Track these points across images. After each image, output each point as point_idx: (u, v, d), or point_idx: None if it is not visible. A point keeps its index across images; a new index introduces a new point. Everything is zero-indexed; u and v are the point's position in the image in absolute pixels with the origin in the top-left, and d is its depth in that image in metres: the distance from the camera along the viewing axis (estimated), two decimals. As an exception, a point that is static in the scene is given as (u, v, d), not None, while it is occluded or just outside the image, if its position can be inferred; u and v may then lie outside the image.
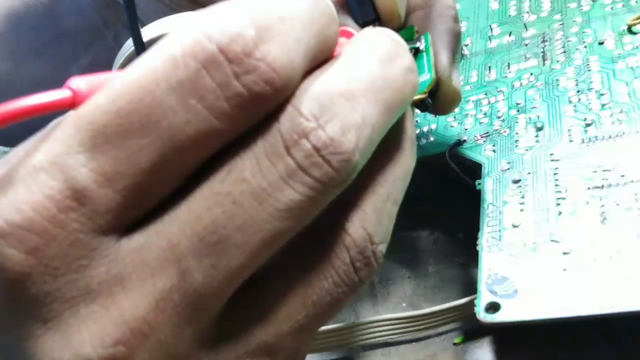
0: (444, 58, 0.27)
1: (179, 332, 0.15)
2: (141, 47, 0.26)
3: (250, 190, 0.14)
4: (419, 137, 0.33)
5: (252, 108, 0.14)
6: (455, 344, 0.28)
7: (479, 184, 0.29)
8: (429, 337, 0.29)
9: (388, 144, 0.17)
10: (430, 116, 0.34)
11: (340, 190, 0.16)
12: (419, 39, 0.26)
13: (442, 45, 0.27)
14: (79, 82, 0.14)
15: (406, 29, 0.27)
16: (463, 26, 0.39)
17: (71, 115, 0.14)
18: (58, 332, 0.14)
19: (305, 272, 0.16)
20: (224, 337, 0.16)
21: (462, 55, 0.37)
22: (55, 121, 0.15)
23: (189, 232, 0.14)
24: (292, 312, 0.16)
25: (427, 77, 0.25)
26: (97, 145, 0.14)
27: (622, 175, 0.25)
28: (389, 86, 0.16)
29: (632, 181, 0.25)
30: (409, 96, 0.17)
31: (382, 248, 0.17)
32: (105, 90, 0.14)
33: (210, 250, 0.14)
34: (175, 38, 0.14)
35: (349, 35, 0.18)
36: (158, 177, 0.14)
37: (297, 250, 0.16)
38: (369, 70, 0.16)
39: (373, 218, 0.17)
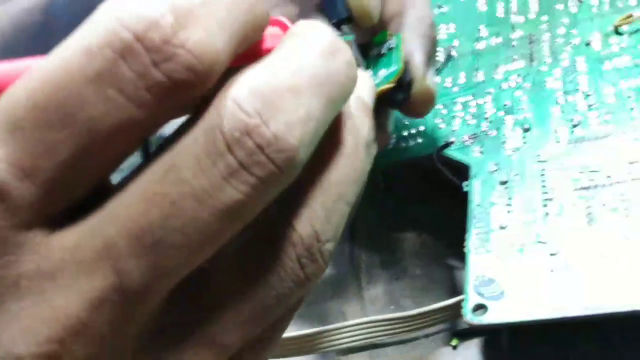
0: (418, 57, 0.27)
1: (117, 330, 0.14)
2: None
3: (191, 192, 0.14)
4: (407, 139, 0.33)
5: (175, 96, 0.14)
6: (453, 346, 0.28)
7: (467, 185, 0.29)
8: (416, 338, 0.29)
9: (336, 142, 0.17)
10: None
11: (283, 188, 0.15)
12: (390, 39, 0.27)
13: (417, 47, 0.28)
14: None
15: (380, 34, 0.28)
16: (451, 28, 0.39)
17: None
18: None
19: (252, 267, 0.16)
20: (166, 332, 0.15)
21: (450, 57, 0.37)
22: None
23: (125, 233, 0.14)
24: (238, 306, 0.16)
25: (394, 68, 0.25)
26: (14, 139, 0.14)
27: (609, 176, 0.25)
28: (332, 80, 0.16)
29: (619, 182, 0.25)
30: (350, 90, 0.17)
31: (329, 246, 0.17)
32: (22, 83, 0.14)
33: (148, 251, 0.14)
34: (90, 27, 0.14)
35: (282, 26, 0.17)
36: (79, 170, 0.14)
37: (244, 244, 0.16)
38: (312, 64, 0.16)
39: (322, 216, 0.16)
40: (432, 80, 0.28)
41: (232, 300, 0.16)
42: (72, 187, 0.14)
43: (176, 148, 0.14)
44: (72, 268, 0.14)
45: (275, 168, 0.14)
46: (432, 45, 0.29)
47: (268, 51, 0.16)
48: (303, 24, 0.17)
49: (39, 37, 0.40)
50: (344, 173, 0.17)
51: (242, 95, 0.14)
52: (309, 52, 0.16)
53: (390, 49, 0.26)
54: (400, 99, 0.26)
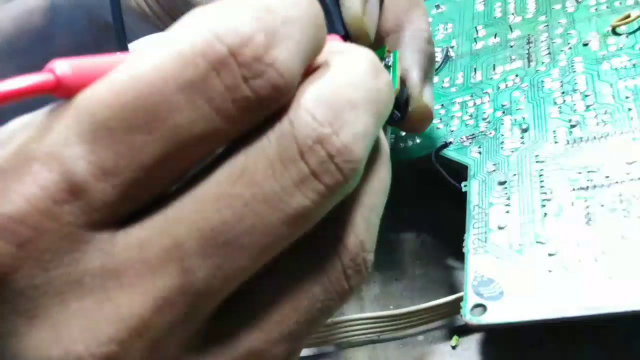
0: (415, 75, 0.28)
1: (172, 332, 0.14)
2: None
3: (263, 194, 0.14)
4: (405, 139, 0.33)
5: (256, 111, 0.14)
6: (452, 347, 0.28)
7: (465, 185, 0.29)
8: (415, 336, 0.29)
9: (373, 159, 0.18)
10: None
11: (343, 198, 0.16)
12: (388, 57, 0.27)
13: (414, 64, 0.28)
14: (63, 66, 0.14)
15: (378, 50, 0.28)
16: (449, 28, 0.39)
17: (70, 104, 0.14)
18: (45, 328, 0.14)
19: (298, 279, 0.16)
20: (212, 340, 0.15)
21: (448, 58, 0.37)
22: (49, 106, 0.14)
23: (195, 232, 0.14)
24: (283, 318, 0.16)
25: None
26: (98, 138, 0.14)
27: (607, 177, 0.26)
28: (379, 98, 0.16)
29: (617, 182, 0.25)
30: (389, 109, 0.17)
31: (371, 257, 0.17)
32: (108, 82, 0.14)
33: (217, 251, 0.14)
34: (184, 36, 0.14)
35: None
36: (159, 174, 0.14)
37: (291, 256, 0.16)
38: (364, 82, 0.16)
39: (363, 227, 0.17)
40: (429, 97, 0.28)
41: (277, 314, 0.16)
42: (149, 190, 0.14)
43: (250, 151, 0.15)
44: (137, 267, 0.14)
45: (342, 178, 0.15)
46: (429, 61, 0.29)
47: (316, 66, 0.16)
48: (346, 45, 0.18)
49: (40, 38, 0.40)
50: (375, 185, 0.17)
51: (314, 105, 0.15)
52: (359, 70, 0.16)
53: (387, 68, 0.26)
54: (397, 117, 0.26)
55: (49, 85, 0.14)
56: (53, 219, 0.13)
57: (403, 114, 0.27)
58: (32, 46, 0.42)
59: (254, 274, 0.15)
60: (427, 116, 0.28)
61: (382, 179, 0.18)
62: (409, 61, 0.28)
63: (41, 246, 0.13)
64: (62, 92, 0.14)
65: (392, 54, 0.27)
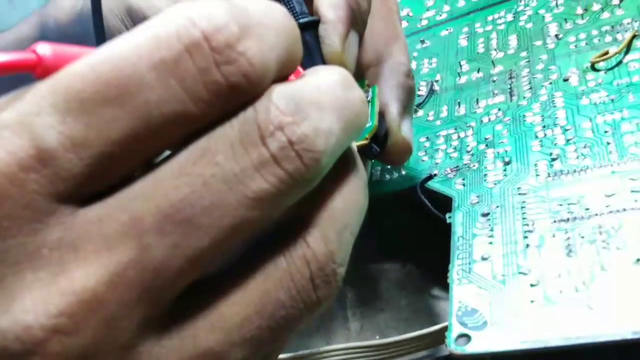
0: (394, 109, 0.28)
1: (127, 313, 0.14)
2: None
3: (222, 174, 0.15)
4: (391, 171, 0.34)
5: (226, 97, 0.15)
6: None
7: (450, 217, 0.29)
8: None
9: (345, 173, 0.18)
10: (402, 150, 0.34)
11: (306, 191, 0.16)
12: (367, 92, 0.27)
13: (393, 98, 0.28)
14: (44, 48, 0.14)
15: (358, 83, 0.29)
16: (433, 63, 0.40)
17: (47, 79, 0.14)
18: None
19: (263, 281, 0.16)
20: (170, 334, 0.15)
21: (433, 91, 0.38)
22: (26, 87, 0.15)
23: (154, 208, 0.14)
24: (245, 321, 0.16)
25: (368, 125, 0.26)
26: (70, 110, 0.14)
27: (587, 209, 0.26)
28: (348, 107, 0.17)
29: (596, 214, 0.26)
30: (362, 123, 0.18)
31: (342, 270, 0.17)
32: (85, 59, 0.14)
33: (175, 228, 0.14)
34: (159, 20, 0.15)
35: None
36: (126, 151, 0.14)
37: (257, 259, 0.16)
38: (333, 89, 0.17)
39: (335, 239, 0.17)
40: (408, 130, 0.29)
41: (239, 316, 0.16)
42: (115, 167, 0.14)
43: (212, 134, 0.15)
44: (95, 241, 0.14)
45: (303, 166, 0.15)
46: (408, 95, 0.29)
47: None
48: (324, 66, 0.18)
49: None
50: (350, 202, 0.18)
51: (277, 97, 0.15)
52: (330, 80, 0.17)
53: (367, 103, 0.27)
54: (375, 151, 0.27)
55: (30, 63, 0.14)
56: (18, 185, 0.13)
57: (382, 148, 0.27)
58: (20, 75, 0.42)
59: (219, 271, 0.16)
60: (406, 149, 0.29)
61: (356, 196, 0.18)
62: (388, 95, 0.29)
63: (2, 212, 0.13)
64: (41, 71, 0.14)
65: (371, 89, 0.28)
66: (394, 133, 0.28)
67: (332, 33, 0.26)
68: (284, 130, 0.15)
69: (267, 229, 0.17)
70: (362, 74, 0.30)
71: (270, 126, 0.15)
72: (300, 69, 0.18)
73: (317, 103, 0.16)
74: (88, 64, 0.14)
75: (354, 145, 0.19)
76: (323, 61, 0.26)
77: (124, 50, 0.14)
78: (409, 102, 0.29)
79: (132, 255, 0.14)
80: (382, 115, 0.28)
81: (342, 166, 0.18)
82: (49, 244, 0.14)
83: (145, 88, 0.14)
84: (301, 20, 0.25)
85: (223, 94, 0.15)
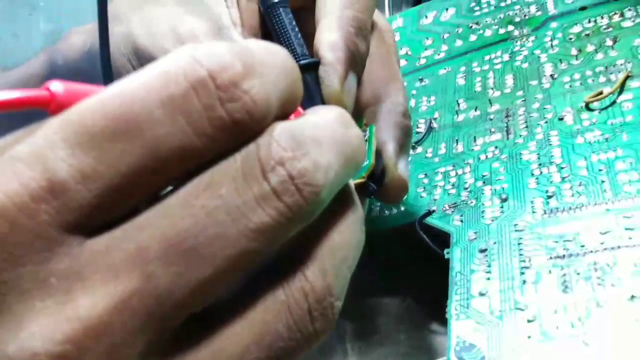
0: (390, 148, 0.29)
1: (131, 340, 0.15)
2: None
3: (225, 207, 0.15)
4: (390, 207, 0.35)
5: (230, 133, 0.16)
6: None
7: (448, 252, 0.30)
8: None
9: (343, 209, 0.19)
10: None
11: (305, 224, 0.17)
12: (365, 131, 0.28)
13: (389, 137, 0.29)
14: (57, 86, 0.15)
15: (356, 122, 0.29)
16: (432, 101, 0.41)
17: (59, 114, 0.15)
18: (6, 324, 0.14)
19: (262, 313, 0.16)
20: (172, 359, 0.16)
21: (431, 129, 0.38)
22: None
23: (159, 238, 0.15)
24: (244, 351, 0.16)
25: (365, 163, 0.27)
26: (80, 143, 0.14)
27: (582, 246, 0.27)
28: (347, 143, 0.18)
29: (591, 251, 0.26)
30: (360, 160, 0.19)
31: (339, 304, 0.17)
32: (96, 95, 0.15)
33: (179, 258, 0.15)
34: (167, 59, 0.15)
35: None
36: (134, 183, 0.15)
37: (257, 290, 0.17)
38: (332, 127, 0.17)
39: (332, 273, 0.17)
40: (405, 169, 0.29)
41: (238, 346, 0.16)
42: (123, 200, 0.15)
43: (216, 168, 0.16)
44: (102, 271, 0.14)
45: (302, 199, 0.16)
46: (405, 134, 0.30)
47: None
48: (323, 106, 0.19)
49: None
50: (348, 238, 0.18)
51: (279, 133, 0.16)
52: (329, 118, 0.18)
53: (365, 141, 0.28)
54: (372, 190, 0.27)
55: (43, 99, 0.15)
56: (29, 216, 0.14)
57: (379, 186, 0.28)
58: (30, 111, 0.43)
59: (220, 302, 0.16)
60: (402, 187, 0.29)
61: (354, 232, 0.19)
62: (385, 134, 0.29)
63: (14, 241, 0.14)
64: (54, 107, 0.15)
65: (368, 128, 0.29)
66: (391, 171, 0.29)
67: (331, 74, 0.26)
68: (284, 165, 0.16)
69: (267, 261, 0.17)
70: (361, 113, 0.30)
71: (272, 161, 0.16)
72: (300, 108, 0.19)
73: (316, 139, 0.17)
74: (99, 100, 0.15)
75: (352, 183, 0.20)
76: (322, 101, 0.27)
77: (133, 87, 0.15)
78: (405, 141, 0.30)
79: (137, 284, 0.15)
80: (379, 153, 0.29)
81: (340, 203, 0.19)
82: (57, 273, 0.14)
83: (153, 123, 0.15)
84: (302, 62, 0.26)
85: (227, 129, 0.15)
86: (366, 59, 0.28)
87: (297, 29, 0.26)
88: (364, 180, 0.26)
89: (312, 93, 0.26)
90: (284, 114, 0.17)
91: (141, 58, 0.32)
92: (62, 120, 0.15)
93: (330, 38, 0.26)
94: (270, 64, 0.17)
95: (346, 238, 0.18)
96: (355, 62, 0.27)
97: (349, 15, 0.27)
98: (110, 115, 0.15)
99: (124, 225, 0.15)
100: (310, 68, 0.26)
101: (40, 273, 0.14)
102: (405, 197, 0.34)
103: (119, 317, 0.14)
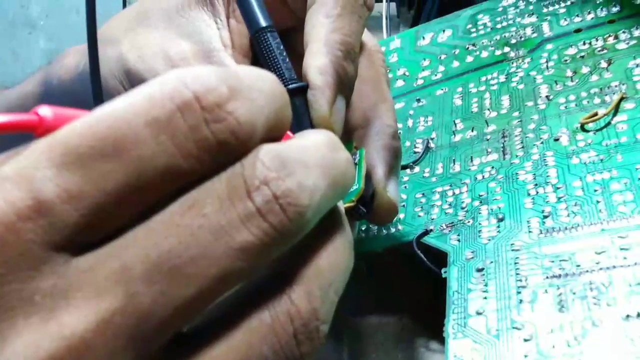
0: (380, 171, 0.29)
1: (115, 358, 0.15)
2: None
3: (209, 226, 0.15)
4: (388, 226, 0.35)
5: (215, 153, 0.16)
6: None
7: (445, 271, 0.30)
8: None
9: (331, 233, 0.19)
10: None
11: (290, 245, 0.17)
12: (355, 154, 0.28)
13: (379, 160, 0.29)
14: (45, 110, 0.15)
15: (346, 145, 0.30)
16: (429, 121, 0.41)
17: (46, 136, 0.15)
18: None
19: (248, 335, 0.17)
20: None
21: (428, 149, 0.39)
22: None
23: (143, 257, 0.15)
24: None
25: (354, 187, 0.27)
26: (67, 164, 0.15)
27: (578, 265, 0.27)
28: (335, 166, 0.18)
29: (587, 271, 0.27)
30: (349, 183, 0.19)
31: (325, 328, 0.18)
32: (82, 118, 0.15)
33: (162, 277, 0.15)
34: (154, 82, 0.16)
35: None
36: (119, 203, 0.15)
37: (243, 312, 0.17)
38: (319, 150, 0.18)
39: (318, 296, 0.17)
40: (394, 191, 0.29)
41: None
42: (108, 219, 0.15)
43: (201, 187, 0.16)
44: (86, 289, 0.15)
45: (287, 219, 0.16)
46: (394, 156, 0.30)
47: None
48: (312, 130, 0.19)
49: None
50: (336, 261, 0.19)
51: (264, 154, 0.16)
52: (318, 140, 0.18)
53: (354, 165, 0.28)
54: (362, 213, 0.27)
55: (31, 123, 0.15)
56: (15, 234, 0.14)
57: (369, 209, 0.28)
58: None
59: (205, 323, 0.16)
60: (392, 210, 0.29)
61: (342, 256, 0.19)
62: (374, 157, 0.29)
63: (0, 259, 0.14)
64: (42, 131, 0.15)
65: (358, 152, 0.29)
66: (380, 195, 0.29)
67: (319, 98, 0.26)
68: (269, 185, 0.16)
69: (253, 282, 0.17)
70: (350, 135, 0.30)
71: (256, 181, 0.16)
72: (289, 133, 0.20)
73: (302, 161, 0.17)
74: (85, 122, 0.15)
75: (342, 206, 0.20)
76: (311, 125, 0.27)
77: (120, 108, 0.15)
78: (395, 163, 0.30)
79: (120, 303, 0.15)
80: (368, 176, 0.29)
81: (329, 226, 0.19)
82: (41, 291, 0.15)
83: (139, 144, 0.15)
84: (290, 86, 0.26)
85: (212, 150, 0.16)
86: (354, 82, 0.28)
87: (284, 53, 0.27)
88: (354, 204, 0.27)
89: (301, 117, 0.27)
90: (271, 137, 0.18)
91: (133, 80, 0.32)
92: (49, 142, 0.15)
93: (318, 62, 0.27)
94: (257, 88, 0.17)
95: (334, 261, 0.18)
96: (344, 86, 0.27)
97: (336, 39, 0.27)
98: (97, 135, 0.15)
99: (109, 244, 0.15)
100: (299, 92, 0.27)
101: (25, 291, 0.14)
102: (403, 216, 0.35)
103: (101, 336, 0.15)
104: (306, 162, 0.17)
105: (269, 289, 0.17)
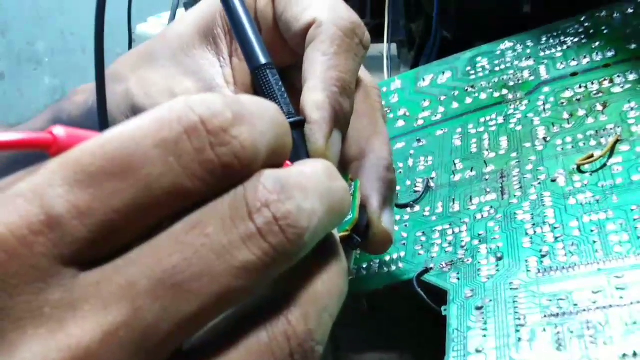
0: (375, 202, 0.30)
1: None
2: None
3: (211, 245, 0.16)
4: (389, 264, 0.35)
5: (219, 175, 0.17)
6: None
7: (445, 309, 0.30)
8: None
9: (327, 259, 0.20)
10: (399, 244, 0.36)
11: (288, 265, 0.17)
12: (350, 185, 0.29)
13: (374, 191, 0.30)
14: (59, 130, 0.16)
15: (342, 176, 0.30)
16: (429, 161, 0.42)
17: (59, 155, 0.16)
18: (0, 349, 0.15)
19: (246, 354, 0.17)
20: None
21: (429, 188, 0.40)
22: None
23: (148, 273, 0.16)
24: None
25: (349, 217, 0.27)
26: (78, 181, 0.16)
27: (575, 304, 0.28)
28: (332, 194, 0.19)
29: (584, 310, 0.27)
30: (345, 210, 0.20)
31: (319, 349, 0.18)
32: (94, 138, 0.16)
33: (166, 293, 0.16)
34: (163, 106, 0.17)
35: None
36: (127, 220, 0.16)
37: (241, 330, 0.17)
38: (317, 177, 0.19)
39: (315, 319, 0.18)
40: (388, 221, 0.30)
41: None
42: (115, 235, 0.16)
43: (205, 207, 0.17)
44: (92, 302, 0.15)
45: (286, 240, 0.17)
46: (389, 188, 0.31)
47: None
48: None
49: (38, 158, 0.43)
50: (331, 286, 0.19)
51: (265, 178, 0.17)
52: (317, 168, 0.19)
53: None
54: (357, 242, 0.28)
55: (46, 142, 0.16)
56: (27, 247, 0.15)
57: (364, 238, 0.29)
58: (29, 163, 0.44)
59: (203, 341, 0.17)
60: (386, 240, 0.30)
61: (337, 281, 0.20)
62: (369, 188, 0.30)
63: (11, 271, 0.15)
64: (56, 150, 0.16)
65: (353, 183, 0.30)
66: (375, 225, 0.29)
67: (316, 132, 0.27)
68: (269, 207, 0.17)
69: (252, 302, 0.18)
70: (346, 168, 0.31)
71: (258, 203, 0.17)
72: (288, 162, 0.20)
73: (301, 186, 0.18)
74: (96, 142, 0.16)
75: (337, 235, 0.21)
76: (308, 157, 0.28)
77: (130, 130, 0.16)
78: (389, 195, 0.31)
79: (125, 316, 0.15)
80: (363, 207, 0.29)
81: (325, 252, 0.20)
82: (50, 303, 0.15)
83: (147, 164, 0.16)
84: (288, 120, 0.27)
85: (216, 171, 0.17)
86: (350, 117, 0.29)
87: (283, 89, 0.28)
88: (348, 233, 0.27)
89: (298, 149, 0.27)
90: (272, 164, 0.18)
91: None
92: (61, 160, 0.16)
93: (315, 98, 0.28)
94: (260, 115, 0.18)
95: (329, 287, 0.19)
96: (340, 121, 0.28)
97: (333, 76, 0.28)
98: (107, 155, 0.16)
99: (116, 259, 0.16)
100: (297, 126, 0.27)
101: (35, 302, 0.15)
102: (404, 254, 0.35)
103: (107, 348, 0.15)
104: (305, 187, 0.18)
105: (267, 310, 0.18)
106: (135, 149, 0.16)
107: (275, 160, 0.19)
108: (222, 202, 0.17)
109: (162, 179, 0.16)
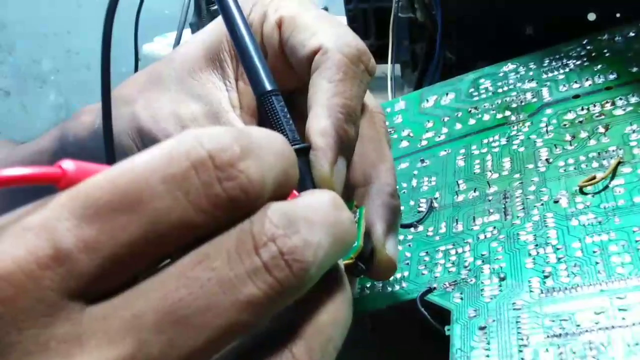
0: (379, 229, 0.30)
1: None
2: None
3: (217, 279, 0.16)
4: (392, 284, 0.36)
5: (226, 209, 0.17)
6: None
7: (449, 329, 0.31)
8: None
9: (332, 290, 0.20)
10: (403, 264, 0.36)
11: (293, 299, 0.18)
12: (355, 212, 0.29)
13: (378, 218, 0.30)
14: (68, 164, 0.17)
15: (347, 203, 0.30)
16: (433, 181, 0.43)
17: (68, 189, 0.16)
18: None
19: None
20: None
21: (432, 208, 0.40)
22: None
23: (154, 307, 0.16)
24: None
25: (354, 245, 0.27)
26: (86, 216, 0.16)
27: (578, 325, 0.28)
28: (338, 226, 0.19)
29: (586, 331, 0.27)
30: (350, 241, 0.20)
31: None
32: (103, 172, 0.16)
33: (171, 327, 0.16)
34: (173, 140, 0.17)
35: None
36: (134, 254, 0.16)
37: None
38: (323, 209, 0.19)
39: (318, 351, 0.18)
40: (393, 249, 0.30)
41: None
42: (122, 269, 0.16)
43: (212, 241, 0.17)
44: (99, 336, 0.16)
45: (292, 275, 0.17)
46: (393, 214, 0.31)
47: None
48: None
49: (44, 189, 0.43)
50: (335, 317, 0.19)
51: (272, 212, 0.17)
52: (323, 200, 0.19)
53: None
54: (361, 269, 0.28)
55: (55, 176, 0.16)
56: (34, 281, 0.15)
57: (368, 266, 0.29)
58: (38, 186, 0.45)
59: None
60: (390, 268, 0.30)
61: (341, 312, 0.20)
62: (374, 215, 0.30)
63: (19, 305, 0.15)
64: (65, 184, 0.16)
65: (358, 210, 0.30)
66: (379, 252, 0.29)
67: (321, 159, 0.28)
68: (275, 241, 0.17)
69: (257, 335, 0.18)
70: (351, 194, 0.31)
71: (264, 237, 0.17)
72: (295, 191, 0.21)
73: (308, 220, 0.18)
74: (105, 176, 0.16)
75: (342, 264, 0.21)
76: (313, 184, 0.28)
77: (138, 165, 0.17)
78: (394, 221, 0.31)
79: (131, 350, 0.16)
80: (368, 234, 0.29)
81: (329, 283, 0.20)
82: (57, 337, 0.15)
83: (155, 199, 0.16)
84: (293, 147, 0.28)
85: (223, 206, 0.17)
86: (355, 143, 0.30)
87: (288, 115, 0.28)
88: (353, 261, 0.27)
89: (303, 176, 0.28)
90: (279, 195, 0.19)
91: (144, 139, 0.33)
92: (70, 194, 0.16)
93: (320, 124, 0.28)
94: (267, 148, 0.18)
95: (333, 318, 0.19)
96: (345, 147, 0.29)
97: (338, 103, 0.28)
98: (116, 190, 0.16)
99: (122, 293, 0.16)
100: (302, 152, 0.28)
101: (42, 336, 0.15)
102: (407, 274, 0.36)
103: None
104: (311, 221, 0.18)
105: (272, 342, 0.18)
106: (143, 184, 0.16)
107: (281, 192, 0.19)
108: (229, 236, 0.17)
109: (170, 214, 0.16)
